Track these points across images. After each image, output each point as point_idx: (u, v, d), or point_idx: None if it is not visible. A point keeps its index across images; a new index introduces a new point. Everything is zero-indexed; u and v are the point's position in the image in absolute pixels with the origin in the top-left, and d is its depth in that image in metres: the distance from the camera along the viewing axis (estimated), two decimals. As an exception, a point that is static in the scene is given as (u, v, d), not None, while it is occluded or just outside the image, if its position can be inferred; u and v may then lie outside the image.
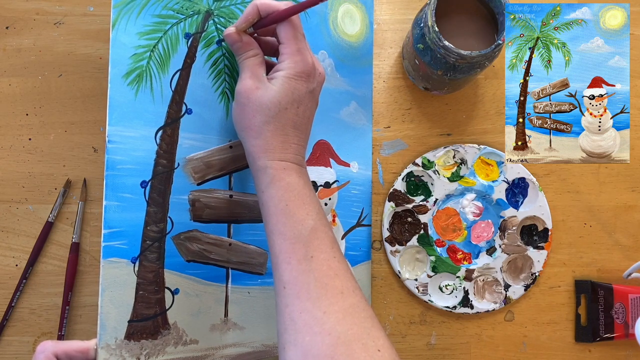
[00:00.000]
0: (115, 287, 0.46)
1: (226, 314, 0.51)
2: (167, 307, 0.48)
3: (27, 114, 0.58)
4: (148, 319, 0.47)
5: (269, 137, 0.43)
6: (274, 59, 0.48)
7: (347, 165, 0.58)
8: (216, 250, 0.51)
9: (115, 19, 0.46)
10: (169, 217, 0.49)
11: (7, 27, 0.59)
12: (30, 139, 0.58)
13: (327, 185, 0.56)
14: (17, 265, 0.58)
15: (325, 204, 0.57)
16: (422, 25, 0.51)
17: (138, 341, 0.47)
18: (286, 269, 0.41)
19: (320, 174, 0.56)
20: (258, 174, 0.44)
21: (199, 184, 0.50)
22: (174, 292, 0.49)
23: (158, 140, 0.48)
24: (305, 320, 0.39)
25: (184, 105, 0.49)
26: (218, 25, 0.50)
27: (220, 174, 0.51)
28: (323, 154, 0.56)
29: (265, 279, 0.54)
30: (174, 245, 0.49)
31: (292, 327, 0.39)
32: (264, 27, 0.45)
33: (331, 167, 0.57)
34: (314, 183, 0.56)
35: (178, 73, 0.49)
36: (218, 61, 0.50)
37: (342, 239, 0.58)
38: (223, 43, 0.50)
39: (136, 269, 0.47)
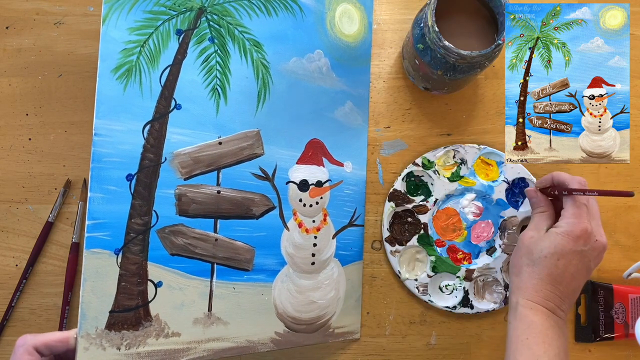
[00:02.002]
0: (97, 277, 0.46)
1: (210, 309, 0.51)
2: (149, 299, 0.49)
3: (27, 114, 0.58)
4: (129, 310, 0.48)
5: (525, 277, 0.49)
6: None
7: (341, 164, 0.58)
8: (202, 245, 0.51)
9: (106, 14, 0.46)
10: (154, 210, 0.49)
11: (7, 27, 0.59)
12: (30, 139, 0.58)
13: (319, 184, 0.56)
14: (17, 265, 0.58)
15: (317, 203, 0.57)
16: (422, 25, 0.51)
17: (119, 331, 0.47)
18: None
19: (312, 172, 0.56)
20: (510, 306, 0.50)
21: (186, 179, 0.50)
22: (157, 285, 0.49)
23: (145, 134, 0.48)
24: None
25: (173, 101, 0.49)
26: (211, 22, 0.50)
27: (208, 169, 0.51)
28: (316, 153, 0.56)
29: (252, 275, 0.54)
30: (159, 239, 0.49)
31: None
32: (554, 194, 0.51)
33: (324, 166, 0.57)
34: (305, 182, 0.56)
35: (168, 69, 0.49)
36: (210, 58, 0.50)
37: (332, 238, 0.58)
38: (216, 40, 0.50)
39: (119, 260, 0.47)
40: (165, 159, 0.49)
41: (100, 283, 0.46)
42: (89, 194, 0.46)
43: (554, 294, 0.48)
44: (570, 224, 0.48)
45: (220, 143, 0.51)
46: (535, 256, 0.48)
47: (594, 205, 0.50)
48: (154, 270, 0.49)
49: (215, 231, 0.52)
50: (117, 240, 0.47)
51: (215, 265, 0.52)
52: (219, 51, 0.51)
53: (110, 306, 0.47)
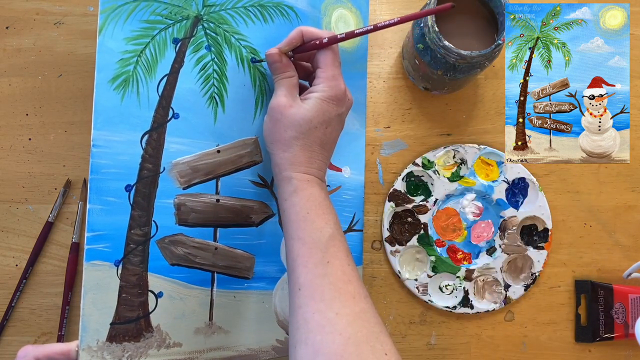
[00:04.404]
0: (97, 289, 0.46)
1: (211, 318, 0.52)
2: (150, 310, 0.49)
3: (27, 114, 0.58)
4: (130, 322, 0.48)
5: (297, 151, 0.45)
6: (306, 83, 0.51)
7: (339, 170, 0.58)
8: (202, 254, 0.51)
9: (102, 24, 0.46)
10: (154, 220, 0.49)
11: (7, 27, 0.59)
12: (30, 139, 0.58)
13: None
14: (17, 265, 0.58)
15: None
16: (422, 25, 0.51)
17: (120, 343, 0.47)
18: (302, 271, 0.42)
19: None
20: (283, 184, 0.46)
21: (184, 188, 0.50)
22: (158, 295, 0.49)
23: (144, 145, 0.48)
24: (317, 320, 0.40)
25: (170, 110, 0.49)
26: (207, 30, 0.50)
27: (207, 178, 0.51)
28: None
29: (252, 283, 0.54)
30: (159, 249, 0.49)
31: (304, 327, 0.40)
32: (305, 52, 0.48)
33: None
34: None
35: (165, 78, 0.49)
36: (207, 66, 0.50)
37: None
38: (212, 48, 0.50)
39: (119, 272, 0.47)
40: (164, 168, 0.49)
41: (100, 295, 0.47)
42: (87, 206, 0.46)
43: (323, 162, 0.47)
44: (332, 87, 0.46)
45: (218, 151, 0.51)
46: (304, 128, 0.45)
47: (338, 53, 0.47)
48: (155, 281, 0.49)
49: (215, 240, 0.52)
50: (117, 251, 0.47)
51: (215, 274, 0.52)
52: (215, 59, 0.50)
53: (111, 318, 0.47)
